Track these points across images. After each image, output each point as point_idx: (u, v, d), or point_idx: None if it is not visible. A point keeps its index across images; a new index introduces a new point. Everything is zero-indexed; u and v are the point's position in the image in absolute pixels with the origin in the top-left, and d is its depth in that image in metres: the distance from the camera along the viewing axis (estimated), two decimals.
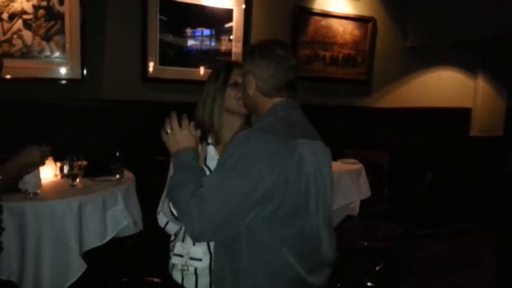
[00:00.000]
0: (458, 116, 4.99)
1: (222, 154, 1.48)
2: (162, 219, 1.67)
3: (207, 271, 1.62)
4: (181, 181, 1.42)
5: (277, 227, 1.39)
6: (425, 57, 4.66)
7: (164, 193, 1.68)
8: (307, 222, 1.44)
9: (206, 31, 3.66)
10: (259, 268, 1.40)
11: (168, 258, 1.75)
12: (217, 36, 3.69)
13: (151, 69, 3.47)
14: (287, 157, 1.37)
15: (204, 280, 1.63)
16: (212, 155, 1.71)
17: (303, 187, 1.40)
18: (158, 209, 1.70)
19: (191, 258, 1.63)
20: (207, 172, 1.63)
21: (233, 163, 1.36)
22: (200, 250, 1.62)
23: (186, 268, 1.64)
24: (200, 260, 1.62)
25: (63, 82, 3.25)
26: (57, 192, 2.42)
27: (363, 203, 3.46)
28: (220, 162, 1.44)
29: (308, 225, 1.44)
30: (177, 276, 1.69)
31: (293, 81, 1.53)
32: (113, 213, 2.45)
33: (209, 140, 1.73)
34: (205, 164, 1.68)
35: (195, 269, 1.63)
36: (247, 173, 1.34)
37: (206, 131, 1.71)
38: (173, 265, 1.69)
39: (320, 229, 1.48)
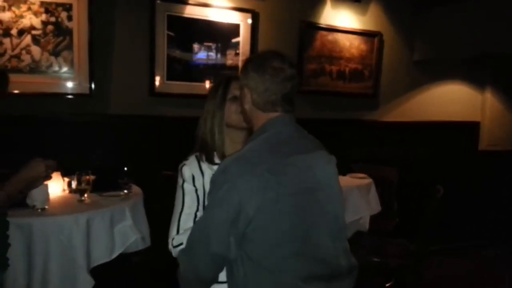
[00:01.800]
0: (467, 130, 4.95)
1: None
2: (177, 251, 1.56)
3: None
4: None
5: (273, 249, 1.35)
6: (432, 71, 4.65)
7: (177, 222, 1.62)
8: (308, 239, 1.38)
9: (213, 46, 3.66)
10: None
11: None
12: (223, 51, 3.69)
13: (158, 83, 3.47)
14: (271, 180, 1.32)
15: None
16: None
17: (297, 205, 1.36)
18: (175, 241, 1.59)
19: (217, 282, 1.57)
20: None
21: (213, 198, 1.39)
22: (224, 273, 1.55)
23: None
24: (225, 282, 1.54)
25: (71, 97, 3.25)
26: (65, 207, 2.40)
27: (373, 218, 3.41)
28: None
29: (310, 241, 1.39)
30: None
31: (290, 93, 1.47)
32: (121, 229, 2.42)
33: (216, 160, 1.67)
34: None
35: None
36: (227, 206, 1.33)
37: (210, 151, 1.68)
38: None
39: (328, 243, 1.42)
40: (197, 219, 1.59)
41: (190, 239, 1.44)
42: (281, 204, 1.33)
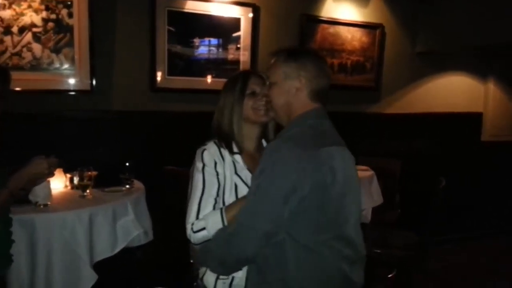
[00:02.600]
0: (469, 121, 4.94)
1: (256, 167, 1.53)
2: (198, 236, 1.57)
3: (243, 282, 1.61)
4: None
5: (318, 232, 1.43)
6: (434, 63, 4.62)
7: (197, 207, 1.61)
8: (345, 224, 1.49)
9: (214, 41, 3.66)
10: (308, 274, 1.44)
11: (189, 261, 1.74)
12: (224, 45, 3.69)
13: (159, 79, 3.47)
14: (319, 164, 1.41)
15: None
16: (241, 164, 1.70)
17: (337, 193, 1.44)
18: (195, 226, 1.58)
19: None
20: (240, 182, 1.66)
21: (267, 174, 1.41)
22: None
23: (226, 277, 1.63)
24: (241, 269, 1.60)
25: (73, 93, 3.26)
26: (67, 203, 2.41)
27: (375, 210, 3.42)
28: (255, 176, 1.47)
29: (347, 225, 1.49)
30: (209, 282, 1.66)
31: (327, 89, 1.59)
32: (123, 224, 2.44)
33: (234, 149, 1.71)
34: (236, 173, 1.67)
35: (232, 279, 1.64)
36: (283, 181, 1.38)
37: (229, 141, 1.71)
38: (207, 270, 1.66)
39: (356, 229, 1.53)
40: (216, 204, 1.61)
41: (239, 221, 1.45)
42: (330, 189, 1.42)
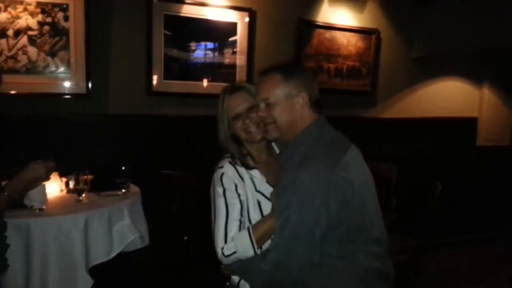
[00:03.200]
0: (465, 126, 4.96)
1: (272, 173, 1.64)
2: (230, 259, 1.60)
3: None
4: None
5: (349, 242, 1.49)
6: (430, 68, 4.65)
7: (224, 232, 1.63)
8: (372, 227, 1.54)
9: (210, 45, 3.66)
10: (345, 279, 1.50)
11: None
12: (221, 50, 3.69)
13: (155, 83, 3.46)
14: (341, 179, 1.44)
15: None
16: (259, 179, 1.71)
17: (359, 203, 1.48)
18: (226, 250, 1.60)
19: None
20: (262, 198, 1.68)
21: (295, 207, 1.44)
22: None
23: None
24: None
25: (68, 97, 3.25)
26: (63, 207, 2.40)
27: None
28: (278, 205, 1.49)
29: (374, 227, 1.55)
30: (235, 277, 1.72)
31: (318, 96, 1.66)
32: (119, 228, 2.42)
33: (250, 163, 1.72)
34: (256, 190, 1.69)
35: None
36: (312, 209, 1.42)
37: (243, 156, 1.72)
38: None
39: (381, 225, 1.59)
40: (241, 224, 1.63)
41: (279, 251, 1.47)
42: (353, 203, 1.46)
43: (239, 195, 1.65)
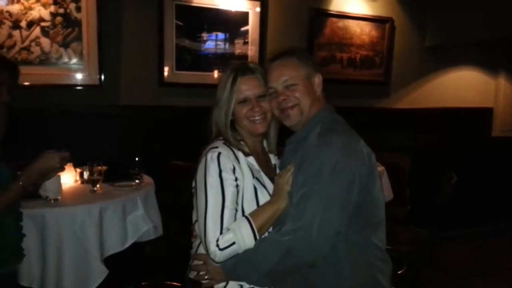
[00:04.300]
0: (480, 116, 4.89)
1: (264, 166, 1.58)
2: (225, 253, 1.40)
3: None
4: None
5: (365, 228, 1.47)
6: (444, 57, 4.57)
7: (220, 220, 1.42)
8: (382, 212, 1.53)
9: (222, 35, 3.64)
10: (358, 274, 1.46)
11: None
12: (232, 40, 3.66)
13: (167, 74, 3.46)
14: (362, 153, 1.44)
15: None
16: (256, 167, 1.58)
17: (376, 180, 1.48)
18: (222, 242, 1.39)
19: None
20: (259, 185, 1.55)
21: (326, 170, 1.37)
22: None
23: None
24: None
25: (81, 88, 3.26)
26: (77, 198, 2.41)
27: (385, 206, 3.38)
28: (302, 175, 1.42)
29: (382, 224, 1.53)
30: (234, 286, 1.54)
31: None
32: (133, 219, 2.44)
33: (246, 149, 1.59)
34: (254, 177, 1.55)
35: None
36: (344, 171, 1.37)
37: (237, 140, 1.59)
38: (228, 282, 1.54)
39: (384, 230, 1.56)
40: (237, 213, 1.46)
41: (317, 208, 1.35)
42: (374, 177, 1.45)
43: (236, 179, 1.46)
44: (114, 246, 2.33)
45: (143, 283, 3.05)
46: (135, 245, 2.48)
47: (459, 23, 4.15)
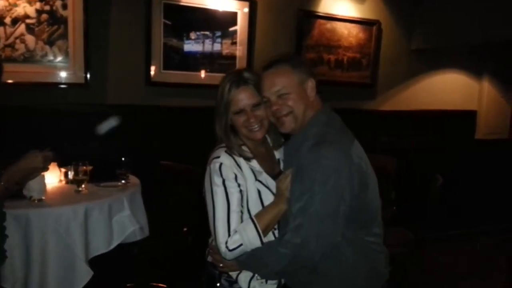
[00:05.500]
0: (464, 119, 4.95)
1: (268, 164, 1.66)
2: (235, 253, 1.54)
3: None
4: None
5: (361, 226, 1.55)
6: (430, 60, 4.62)
7: (227, 224, 1.55)
8: (377, 217, 1.61)
9: (210, 35, 3.62)
10: (358, 269, 1.57)
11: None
12: (221, 40, 3.65)
13: (154, 73, 3.43)
14: (358, 159, 1.50)
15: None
16: (258, 169, 1.66)
17: (372, 187, 1.55)
18: (231, 243, 1.53)
19: None
20: (262, 187, 1.65)
21: (319, 187, 1.43)
22: None
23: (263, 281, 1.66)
24: None
25: (66, 86, 3.21)
26: (62, 198, 2.38)
27: None
28: (298, 186, 1.48)
29: (378, 219, 1.62)
30: (242, 281, 1.66)
31: None
32: (119, 219, 2.41)
33: (248, 155, 1.66)
34: (257, 180, 1.64)
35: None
36: (334, 185, 1.44)
37: (238, 146, 1.66)
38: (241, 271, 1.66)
39: (380, 222, 1.64)
40: (243, 215, 1.58)
41: (306, 232, 1.45)
42: (365, 184, 1.52)
43: (239, 185, 1.58)
44: (100, 247, 2.31)
45: (128, 284, 3.02)
46: (121, 246, 2.46)
47: (446, 27, 4.20)
